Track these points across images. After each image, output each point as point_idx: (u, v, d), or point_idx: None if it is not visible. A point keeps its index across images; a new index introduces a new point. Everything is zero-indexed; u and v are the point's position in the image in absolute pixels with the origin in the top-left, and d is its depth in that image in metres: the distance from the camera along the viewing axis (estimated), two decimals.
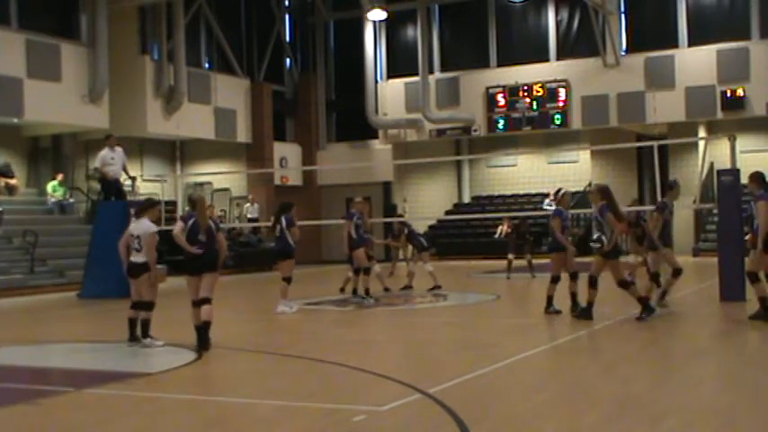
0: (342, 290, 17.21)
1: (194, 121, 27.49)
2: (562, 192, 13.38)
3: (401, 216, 25.02)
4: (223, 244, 10.53)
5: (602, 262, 11.84)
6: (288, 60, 33.13)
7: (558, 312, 12.59)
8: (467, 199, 33.18)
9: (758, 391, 7.52)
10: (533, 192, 31.48)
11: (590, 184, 30.53)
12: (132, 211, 12.06)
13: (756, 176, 11.69)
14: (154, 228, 10.70)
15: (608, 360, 9.47)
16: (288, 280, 14.06)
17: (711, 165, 26.08)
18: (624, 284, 11.85)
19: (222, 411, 7.24)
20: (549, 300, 12.76)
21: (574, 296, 12.57)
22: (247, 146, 29.99)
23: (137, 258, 10.54)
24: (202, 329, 10.09)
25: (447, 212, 31.77)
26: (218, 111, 28.58)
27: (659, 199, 13.85)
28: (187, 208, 29.76)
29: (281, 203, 14.92)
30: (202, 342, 10.04)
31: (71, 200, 24.66)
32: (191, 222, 10.29)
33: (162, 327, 10.97)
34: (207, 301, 10.16)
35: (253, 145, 29.97)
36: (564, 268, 12.70)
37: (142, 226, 10.61)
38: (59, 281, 20.68)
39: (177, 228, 10.45)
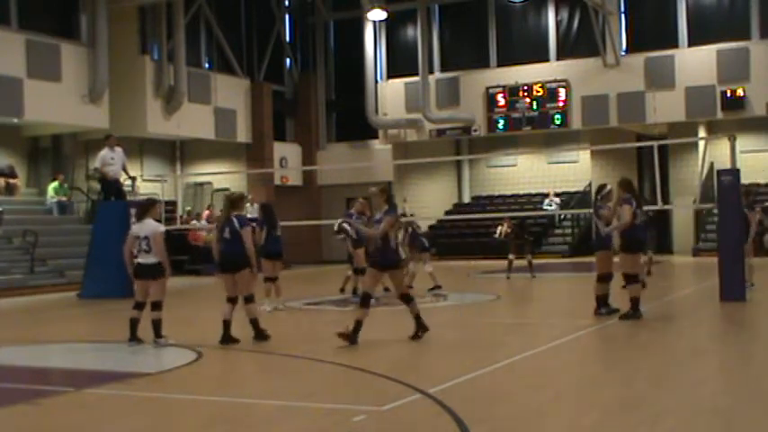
0: (342, 290, 17.20)
1: (194, 121, 27.48)
2: (608, 188, 12.73)
3: (405, 216, 24.99)
4: (248, 239, 10.46)
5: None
6: (288, 60, 33.13)
7: (614, 312, 12.15)
8: (467, 199, 33.17)
9: (758, 391, 7.52)
10: (533, 192, 31.49)
11: (590, 184, 30.60)
12: (133, 212, 12.07)
13: (623, 182, 12.19)
14: (162, 227, 10.78)
15: (608, 360, 9.47)
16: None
17: (711, 165, 26.11)
18: (404, 297, 10.54)
19: (222, 411, 7.24)
20: (600, 300, 12.28)
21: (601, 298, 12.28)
22: (247, 146, 29.99)
23: (147, 259, 10.52)
24: (252, 325, 10.57)
25: (447, 212, 31.77)
26: (218, 111, 28.57)
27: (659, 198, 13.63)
28: (188, 208, 29.75)
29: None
30: (259, 335, 10.56)
31: (72, 200, 24.67)
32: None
33: (163, 326, 10.95)
34: (247, 299, 10.57)
35: (253, 145, 29.97)
36: (606, 267, 12.21)
37: (149, 226, 10.61)
38: (59, 281, 20.68)
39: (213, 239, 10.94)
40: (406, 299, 10.49)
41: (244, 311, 10.65)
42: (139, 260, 10.56)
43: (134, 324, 10.67)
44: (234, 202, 10.90)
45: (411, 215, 25.68)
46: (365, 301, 10.28)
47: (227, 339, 10.45)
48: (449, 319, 13.55)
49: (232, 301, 10.53)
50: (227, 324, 10.47)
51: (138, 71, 25.70)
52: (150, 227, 10.60)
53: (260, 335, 10.60)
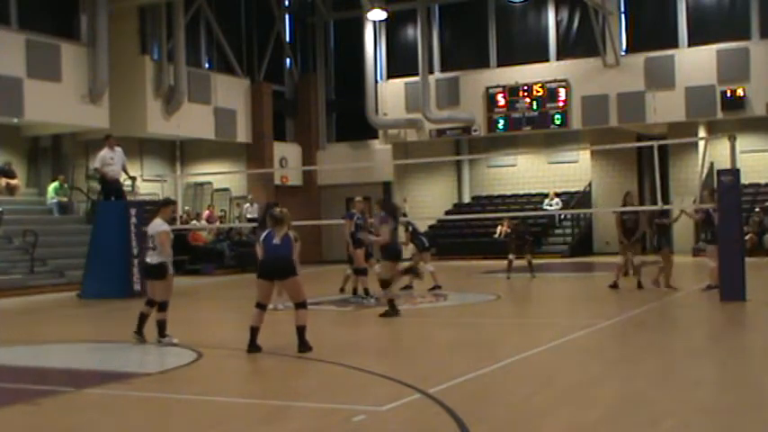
0: (342, 290, 17.22)
1: (194, 121, 27.47)
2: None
3: (404, 215, 24.98)
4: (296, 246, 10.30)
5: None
6: (288, 60, 33.12)
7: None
8: (467, 199, 33.16)
9: (758, 391, 7.52)
10: (533, 192, 31.48)
11: (590, 184, 30.61)
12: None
13: (381, 201, 14.46)
14: (165, 226, 10.83)
15: (608, 360, 9.47)
16: None
17: (711, 165, 26.08)
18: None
19: (222, 411, 7.24)
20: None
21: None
22: (247, 146, 29.99)
23: (151, 259, 10.75)
24: (298, 333, 9.87)
25: (447, 212, 31.76)
26: (218, 111, 28.56)
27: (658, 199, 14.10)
28: (187, 207, 29.74)
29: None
30: (303, 345, 9.81)
31: (72, 200, 24.65)
32: (265, 233, 10.23)
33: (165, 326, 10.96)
34: (299, 306, 9.98)
35: (253, 145, 29.96)
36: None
37: (153, 225, 10.84)
38: (59, 281, 20.67)
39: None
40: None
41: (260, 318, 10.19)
42: (146, 259, 10.82)
43: (142, 318, 10.87)
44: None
45: (403, 215, 25.64)
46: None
47: (255, 347, 9.90)
48: (449, 319, 13.55)
49: (262, 307, 10.05)
50: (254, 331, 9.96)
51: (138, 71, 25.68)
52: (155, 226, 10.80)
53: (304, 345, 9.85)
